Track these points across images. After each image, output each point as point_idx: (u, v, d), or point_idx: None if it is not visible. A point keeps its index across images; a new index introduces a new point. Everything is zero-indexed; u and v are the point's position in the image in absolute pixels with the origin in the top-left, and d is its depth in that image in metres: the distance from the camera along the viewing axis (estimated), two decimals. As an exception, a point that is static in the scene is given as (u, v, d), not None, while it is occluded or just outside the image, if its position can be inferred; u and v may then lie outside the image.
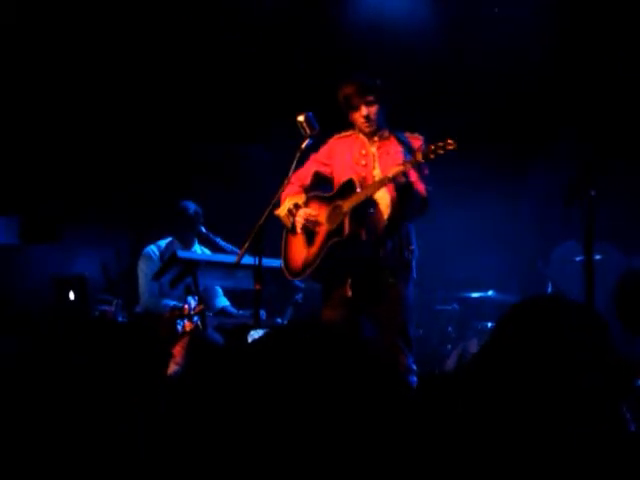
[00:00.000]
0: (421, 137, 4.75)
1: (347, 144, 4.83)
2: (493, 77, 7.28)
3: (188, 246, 6.30)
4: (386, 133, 4.79)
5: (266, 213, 4.66)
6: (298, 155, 4.69)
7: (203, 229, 6.24)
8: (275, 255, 5.00)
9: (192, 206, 6.29)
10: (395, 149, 4.72)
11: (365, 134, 4.79)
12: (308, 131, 4.68)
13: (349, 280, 4.67)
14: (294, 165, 4.70)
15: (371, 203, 4.57)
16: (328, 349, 3.02)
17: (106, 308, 6.10)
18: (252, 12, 7.32)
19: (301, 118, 4.68)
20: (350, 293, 4.66)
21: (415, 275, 4.71)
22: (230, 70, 7.54)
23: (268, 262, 4.96)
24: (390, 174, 4.46)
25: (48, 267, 7.07)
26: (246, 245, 4.66)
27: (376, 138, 4.78)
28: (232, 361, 3.38)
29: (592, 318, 2.93)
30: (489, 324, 6.82)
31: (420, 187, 4.57)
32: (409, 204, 4.55)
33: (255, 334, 4.59)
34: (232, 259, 5.40)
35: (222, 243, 6.15)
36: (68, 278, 6.43)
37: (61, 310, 6.27)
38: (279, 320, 6.01)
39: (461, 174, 7.30)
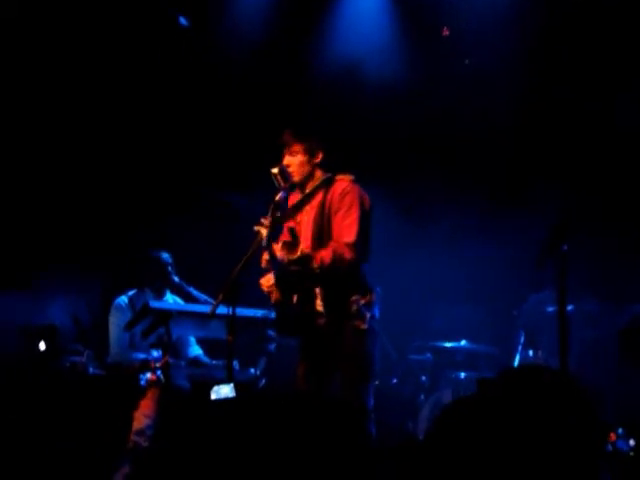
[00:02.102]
0: (346, 178, 4.72)
1: (294, 198, 4.85)
2: (466, 127, 7.36)
3: (160, 295, 6.25)
4: (317, 183, 4.74)
5: (241, 263, 4.64)
6: (272, 207, 4.66)
7: (176, 278, 6.19)
8: (249, 305, 4.98)
9: (165, 255, 6.25)
10: (314, 206, 4.71)
11: (299, 187, 4.78)
12: (282, 183, 4.68)
13: (303, 337, 4.71)
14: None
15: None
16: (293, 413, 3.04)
17: (77, 359, 6.03)
18: (231, 61, 7.38)
19: (275, 170, 4.67)
20: (307, 350, 4.70)
21: (369, 325, 4.60)
22: (208, 118, 7.57)
23: (242, 312, 4.93)
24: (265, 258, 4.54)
25: (19, 315, 6.98)
26: (221, 296, 4.62)
27: (307, 190, 4.76)
28: (198, 416, 3.39)
29: (568, 387, 2.92)
30: (462, 374, 6.83)
31: (327, 252, 4.50)
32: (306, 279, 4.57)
33: (219, 389, 4.54)
34: (205, 309, 5.38)
35: (195, 293, 6.11)
36: (38, 327, 6.36)
37: (30, 360, 6.19)
38: (252, 370, 5.96)
39: (437, 224, 7.37)
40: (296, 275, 4.52)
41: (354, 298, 4.57)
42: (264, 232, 4.49)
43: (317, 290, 4.59)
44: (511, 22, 7.01)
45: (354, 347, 4.57)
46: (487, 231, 7.25)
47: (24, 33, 6.90)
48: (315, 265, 4.48)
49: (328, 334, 4.59)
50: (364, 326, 4.57)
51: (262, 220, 4.53)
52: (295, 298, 4.62)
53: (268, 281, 4.63)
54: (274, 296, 4.63)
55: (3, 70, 6.95)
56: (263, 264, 4.59)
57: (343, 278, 4.57)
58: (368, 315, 4.59)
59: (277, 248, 4.59)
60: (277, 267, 4.53)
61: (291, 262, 4.53)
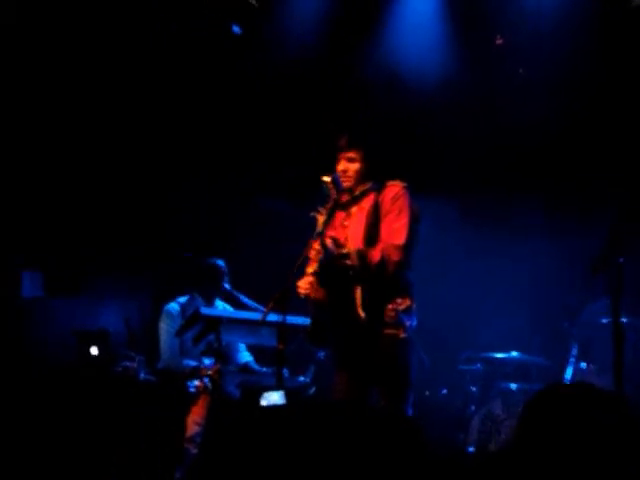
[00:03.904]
0: (399, 184, 4.71)
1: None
2: (520, 135, 7.31)
3: (210, 302, 6.29)
4: (366, 187, 4.73)
5: (292, 271, 4.64)
6: (318, 215, 4.65)
7: (227, 286, 6.23)
8: (300, 313, 4.98)
9: (221, 263, 6.29)
10: (365, 208, 4.69)
11: (349, 192, 4.75)
12: (333, 191, 4.67)
13: (339, 343, 4.67)
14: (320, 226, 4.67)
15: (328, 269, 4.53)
16: (336, 425, 3.02)
17: (128, 364, 6.09)
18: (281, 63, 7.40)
19: (327, 179, 4.66)
20: (344, 357, 4.66)
21: (409, 335, 4.55)
22: (259, 124, 7.61)
23: (292, 320, 4.93)
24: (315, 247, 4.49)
25: (72, 320, 7.08)
26: (272, 304, 4.62)
27: (356, 194, 4.74)
28: (247, 423, 3.38)
29: (621, 411, 2.84)
30: (513, 385, 6.75)
31: (375, 251, 4.50)
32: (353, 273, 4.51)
33: (269, 396, 4.55)
34: (255, 316, 5.39)
35: (245, 300, 6.13)
36: (91, 332, 6.44)
37: (83, 365, 6.27)
38: (302, 378, 5.97)
39: (486, 233, 7.32)
40: (343, 269, 4.50)
41: (394, 304, 4.52)
42: (321, 219, 4.51)
43: (357, 294, 4.56)
44: (565, 30, 6.94)
45: (393, 356, 4.54)
46: (539, 240, 7.19)
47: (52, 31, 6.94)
48: (367, 262, 4.47)
49: (366, 341, 4.54)
50: (403, 335, 4.54)
51: (320, 209, 4.56)
52: (335, 301, 4.58)
53: (306, 283, 4.58)
54: (313, 296, 4.56)
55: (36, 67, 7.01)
56: (311, 253, 4.52)
57: (386, 280, 4.54)
58: (407, 324, 4.55)
59: (327, 242, 4.58)
60: (327, 256, 4.47)
61: (341, 255, 4.52)
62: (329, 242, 4.51)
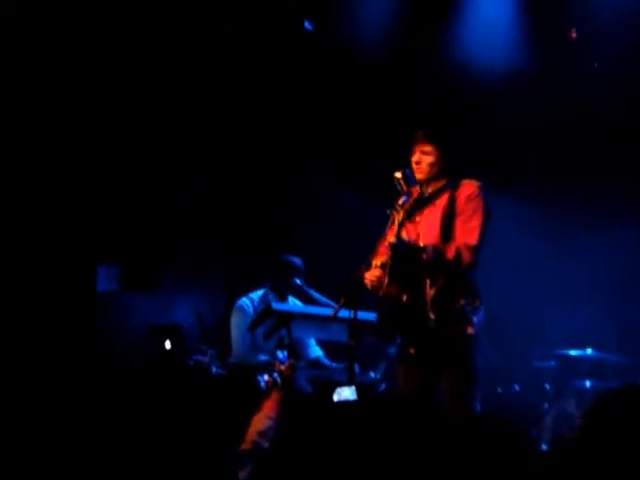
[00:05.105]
0: (474, 183, 4.69)
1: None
2: (595, 129, 7.20)
3: (283, 298, 6.31)
4: (440, 185, 4.71)
5: (362, 267, 4.64)
6: (394, 212, 4.65)
7: (298, 281, 6.24)
8: (370, 308, 4.98)
9: (297, 261, 6.31)
10: (440, 206, 4.67)
11: (420, 186, 4.73)
12: (405, 188, 4.66)
13: (407, 337, 4.65)
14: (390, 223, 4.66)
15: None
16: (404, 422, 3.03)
17: (200, 358, 6.15)
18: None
19: (399, 175, 4.64)
20: (412, 351, 4.63)
21: (477, 332, 4.56)
22: (331, 122, 7.62)
23: (363, 315, 4.92)
24: (390, 240, 4.47)
25: (146, 315, 7.18)
26: (343, 299, 4.63)
27: (430, 190, 4.71)
28: (319, 418, 3.41)
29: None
30: (587, 382, 6.65)
31: (449, 250, 4.49)
32: (428, 267, 4.49)
33: (341, 391, 4.56)
34: (326, 312, 5.41)
35: (316, 295, 6.15)
36: (165, 327, 6.52)
37: (157, 359, 6.36)
38: (372, 374, 5.96)
39: (558, 226, 7.22)
40: (418, 264, 4.48)
41: (463, 302, 4.54)
42: (396, 215, 4.55)
43: (428, 289, 4.54)
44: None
45: (461, 352, 4.54)
46: (619, 231, 7.05)
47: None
48: (442, 258, 4.47)
49: (435, 337, 4.53)
50: (471, 331, 4.54)
51: (396, 205, 4.58)
52: (405, 297, 4.57)
53: (373, 275, 4.60)
54: (384, 288, 4.55)
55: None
56: (383, 247, 4.55)
57: (457, 278, 4.55)
58: (475, 320, 4.55)
59: (404, 236, 4.60)
60: (403, 249, 4.46)
61: (418, 249, 4.51)
62: (406, 236, 4.52)
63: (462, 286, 4.57)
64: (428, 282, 4.53)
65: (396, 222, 4.52)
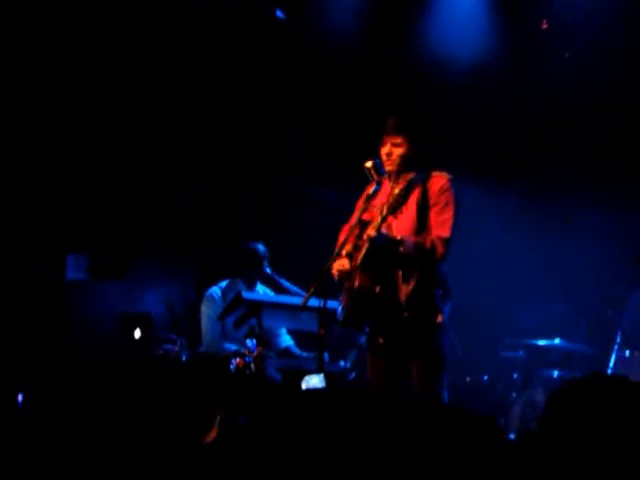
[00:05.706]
0: (445, 175, 4.69)
1: (382, 189, 4.74)
2: (565, 121, 7.24)
3: (251, 286, 6.31)
4: (411, 179, 4.65)
5: (332, 256, 4.64)
6: (363, 199, 4.65)
7: (268, 270, 6.24)
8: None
9: (261, 247, 6.31)
10: (412, 197, 4.65)
11: (389, 176, 4.73)
12: (375, 177, 4.66)
13: (377, 328, 4.67)
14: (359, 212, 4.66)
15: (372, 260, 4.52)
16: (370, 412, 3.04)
17: (170, 347, 6.14)
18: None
19: (369, 164, 4.64)
20: (381, 341, 4.66)
21: (445, 321, 4.59)
22: (300, 113, 7.62)
23: (333, 304, 4.93)
24: (370, 233, 4.46)
25: (116, 303, 7.15)
26: (313, 288, 4.63)
27: (400, 181, 4.65)
28: (287, 406, 3.40)
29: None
30: (555, 372, 6.72)
31: (426, 242, 4.52)
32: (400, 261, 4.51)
33: (309, 379, 4.58)
34: (297, 301, 5.40)
35: (286, 284, 6.15)
36: (134, 315, 6.50)
37: (126, 347, 6.33)
38: (342, 363, 5.97)
39: (529, 219, 7.26)
40: (394, 256, 4.49)
41: (434, 292, 4.58)
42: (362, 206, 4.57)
43: (400, 281, 4.56)
44: (612, 14, 6.84)
45: (430, 341, 4.57)
46: (586, 228, 7.11)
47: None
48: (422, 251, 4.49)
49: (406, 327, 4.56)
50: (440, 320, 4.57)
51: (366, 193, 4.63)
52: (378, 288, 4.59)
53: (340, 264, 4.61)
54: (355, 282, 4.56)
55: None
56: (365, 235, 4.54)
57: (430, 271, 4.57)
58: (444, 309, 4.59)
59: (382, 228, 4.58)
60: (380, 241, 4.46)
61: (395, 242, 4.50)
62: (384, 228, 4.52)
63: (434, 277, 4.60)
64: (401, 274, 4.56)
65: (379, 216, 4.51)
